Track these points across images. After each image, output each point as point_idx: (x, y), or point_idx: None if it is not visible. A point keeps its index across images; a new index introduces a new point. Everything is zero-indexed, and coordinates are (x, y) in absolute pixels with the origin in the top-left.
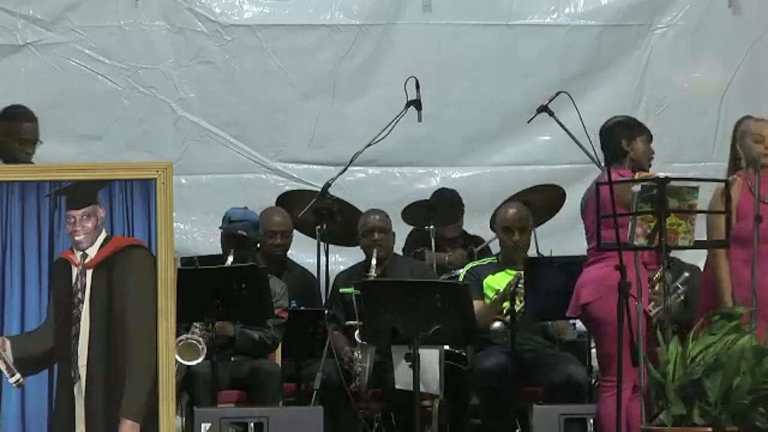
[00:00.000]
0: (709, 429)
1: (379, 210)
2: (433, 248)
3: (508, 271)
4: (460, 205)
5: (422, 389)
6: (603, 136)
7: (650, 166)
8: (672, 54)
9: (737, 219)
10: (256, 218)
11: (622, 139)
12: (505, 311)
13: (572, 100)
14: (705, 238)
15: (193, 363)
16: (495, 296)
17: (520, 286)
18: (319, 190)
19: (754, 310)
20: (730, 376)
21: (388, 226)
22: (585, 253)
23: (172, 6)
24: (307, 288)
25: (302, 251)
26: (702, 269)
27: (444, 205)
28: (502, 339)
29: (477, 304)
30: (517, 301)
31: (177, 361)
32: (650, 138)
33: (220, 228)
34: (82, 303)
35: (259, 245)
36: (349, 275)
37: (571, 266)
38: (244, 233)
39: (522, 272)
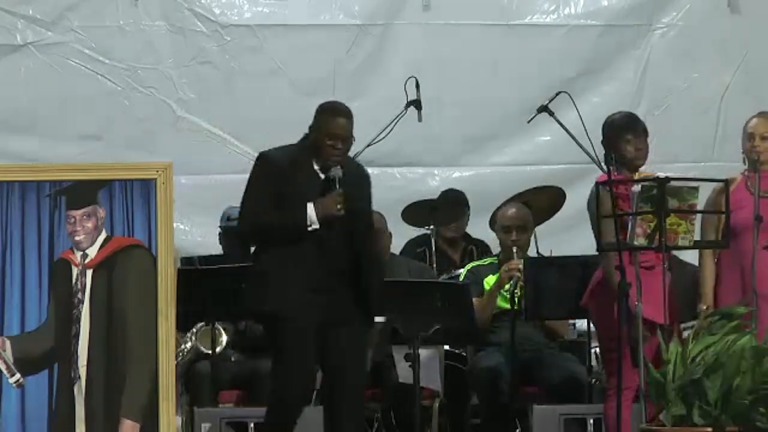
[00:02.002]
0: (709, 429)
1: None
2: (434, 248)
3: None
4: (461, 206)
5: (423, 384)
6: (605, 131)
7: (643, 162)
8: (672, 54)
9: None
10: None
11: (606, 149)
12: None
13: (572, 100)
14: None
15: (213, 351)
16: (491, 288)
17: (520, 281)
18: None
19: (755, 310)
20: (730, 376)
21: (383, 226)
22: (584, 253)
23: (172, 6)
24: None
25: None
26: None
27: (446, 205)
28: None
29: (476, 302)
30: (517, 301)
31: (198, 348)
32: (638, 134)
33: (219, 227)
34: (82, 303)
35: None
36: None
37: (571, 266)
38: None
39: (517, 261)
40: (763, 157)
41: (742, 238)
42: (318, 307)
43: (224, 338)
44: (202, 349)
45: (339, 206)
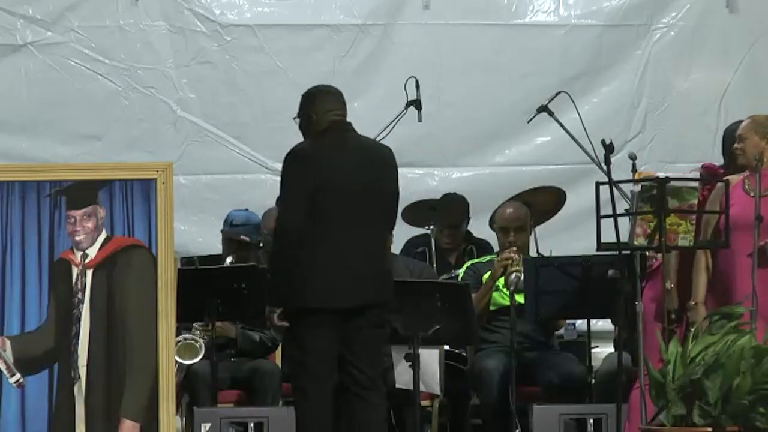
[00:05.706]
0: (709, 429)
1: None
2: (434, 248)
3: (508, 269)
4: (461, 208)
5: (423, 388)
6: (723, 140)
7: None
8: (672, 54)
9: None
10: (257, 221)
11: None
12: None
13: (572, 100)
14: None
15: (192, 362)
16: (486, 280)
17: (518, 271)
18: None
19: (754, 310)
20: (730, 376)
21: None
22: (584, 253)
23: (172, 6)
24: None
25: None
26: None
27: (445, 207)
28: (519, 288)
29: (473, 296)
30: (517, 297)
31: (176, 360)
32: None
33: (222, 230)
34: (82, 303)
35: (261, 244)
36: None
37: (571, 267)
38: (246, 239)
39: (512, 252)
40: (740, 161)
41: (732, 237)
42: None
43: (202, 351)
44: (182, 362)
45: None
